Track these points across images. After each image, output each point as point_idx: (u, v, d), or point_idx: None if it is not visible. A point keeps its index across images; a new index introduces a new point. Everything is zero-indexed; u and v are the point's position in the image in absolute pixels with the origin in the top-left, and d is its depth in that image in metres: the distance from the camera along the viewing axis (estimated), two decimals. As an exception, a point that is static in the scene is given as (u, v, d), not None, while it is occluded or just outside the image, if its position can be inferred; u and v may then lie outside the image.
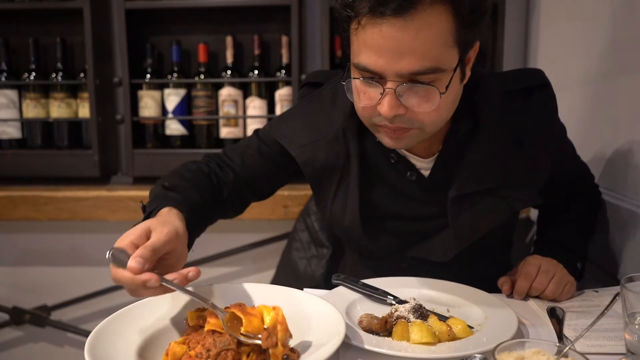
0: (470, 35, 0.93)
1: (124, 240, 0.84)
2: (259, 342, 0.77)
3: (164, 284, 0.81)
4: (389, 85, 0.91)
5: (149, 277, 0.79)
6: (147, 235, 0.86)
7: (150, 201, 1.06)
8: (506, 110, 1.10)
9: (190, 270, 0.82)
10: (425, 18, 0.86)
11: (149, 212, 1.01)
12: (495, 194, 1.10)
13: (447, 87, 0.92)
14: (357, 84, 0.96)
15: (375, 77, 0.92)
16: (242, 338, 0.78)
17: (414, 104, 0.93)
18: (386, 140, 1.01)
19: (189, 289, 0.87)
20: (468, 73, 1.00)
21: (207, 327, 0.82)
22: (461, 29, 0.90)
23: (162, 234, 0.85)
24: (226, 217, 1.24)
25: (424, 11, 0.85)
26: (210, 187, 1.15)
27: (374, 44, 0.89)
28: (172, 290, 0.83)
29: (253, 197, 1.26)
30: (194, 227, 1.03)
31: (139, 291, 0.82)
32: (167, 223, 0.89)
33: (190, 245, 1.00)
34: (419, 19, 0.86)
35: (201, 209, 1.08)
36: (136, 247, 0.83)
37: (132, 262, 0.79)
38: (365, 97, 0.96)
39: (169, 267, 0.88)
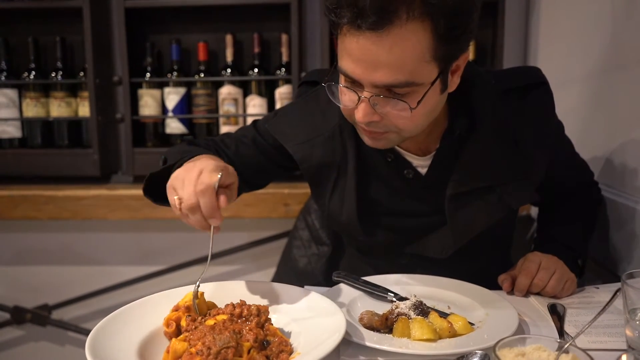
0: (451, 51, 0.93)
1: (220, 164, 0.93)
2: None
3: (214, 232, 0.91)
4: (365, 94, 0.93)
5: (219, 217, 0.88)
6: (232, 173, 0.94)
7: (171, 156, 1.11)
8: (503, 109, 1.10)
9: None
10: (401, 34, 0.86)
11: (181, 160, 1.03)
12: (492, 192, 1.10)
13: (419, 102, 0.93)
14: (340, 85, 0.99)
15: (356, 83, 0.95)
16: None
17: (388, 113, 0.95)
18: (366, 139, 1.04)
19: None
20: (457, 81, 1.01)
21: (208, 322, 0.83)
22: (440, 45, 0.90)
23: (236, 183, 0.94)
24: None
25: (400, 27, 0.86)
26: None
27: (352, 52, 0.91)
28: (208, 243, 0.94)
29: (244, 186, 1.26)
30: None
31: (197, 213, 0.88)
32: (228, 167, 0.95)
33: None
34: (394, 34, 0.86)
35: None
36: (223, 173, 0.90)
37: (223, 198, 0.88)
38: (345, 99, 0.99)
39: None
